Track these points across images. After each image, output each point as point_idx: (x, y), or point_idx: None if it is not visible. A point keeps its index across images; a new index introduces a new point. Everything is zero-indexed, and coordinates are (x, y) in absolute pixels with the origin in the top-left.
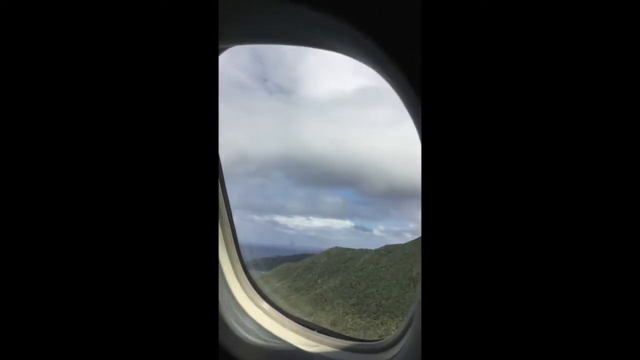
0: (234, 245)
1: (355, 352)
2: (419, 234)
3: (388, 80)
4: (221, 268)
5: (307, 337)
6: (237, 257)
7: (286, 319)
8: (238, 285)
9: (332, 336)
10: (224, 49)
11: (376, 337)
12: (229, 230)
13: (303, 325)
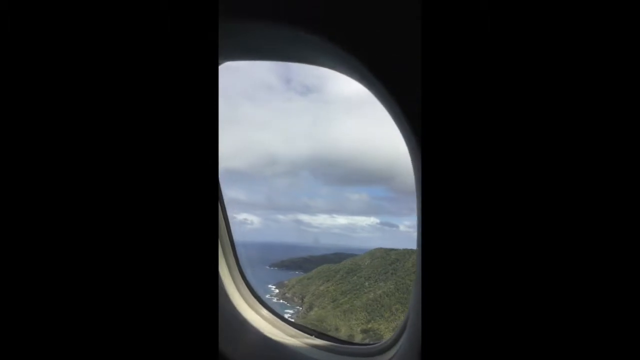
0: (229, 244)
1: (352, 355)
2: None
3: (371, 90)
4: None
5: (303, 342)
6: (232, 255)
7: (281, 322)
8: (232, 284)
9: (329, 340)
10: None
11: None
12: (224, 228)
13: (299, 329)
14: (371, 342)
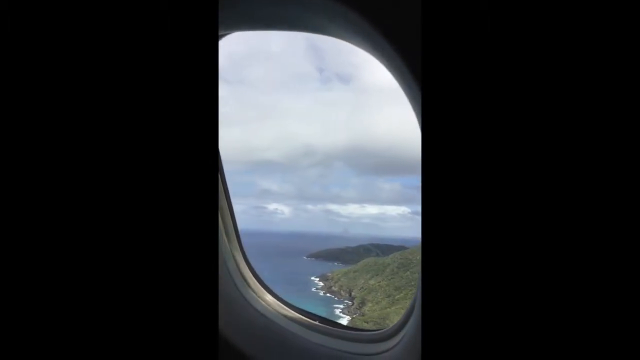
0: (234, 234)
1: (356, 341)
2: None
3: (392, 73)
4: (222, 256)
5: (308, 326)
6: (238, 246)
7: (286, 307)
8: (239, 274)
9: (333, 326)
10: (223, 35)
11: None
12: (229, 220)
13: (303, 314)
14: (378, 329)
